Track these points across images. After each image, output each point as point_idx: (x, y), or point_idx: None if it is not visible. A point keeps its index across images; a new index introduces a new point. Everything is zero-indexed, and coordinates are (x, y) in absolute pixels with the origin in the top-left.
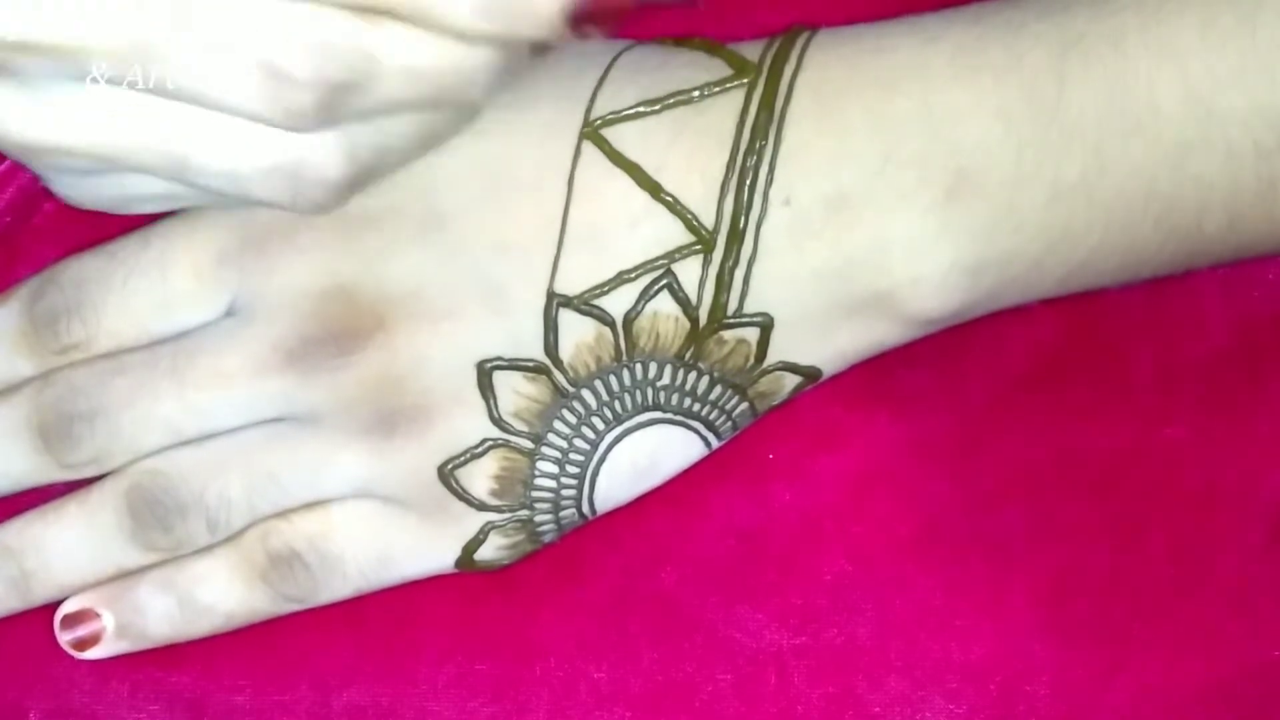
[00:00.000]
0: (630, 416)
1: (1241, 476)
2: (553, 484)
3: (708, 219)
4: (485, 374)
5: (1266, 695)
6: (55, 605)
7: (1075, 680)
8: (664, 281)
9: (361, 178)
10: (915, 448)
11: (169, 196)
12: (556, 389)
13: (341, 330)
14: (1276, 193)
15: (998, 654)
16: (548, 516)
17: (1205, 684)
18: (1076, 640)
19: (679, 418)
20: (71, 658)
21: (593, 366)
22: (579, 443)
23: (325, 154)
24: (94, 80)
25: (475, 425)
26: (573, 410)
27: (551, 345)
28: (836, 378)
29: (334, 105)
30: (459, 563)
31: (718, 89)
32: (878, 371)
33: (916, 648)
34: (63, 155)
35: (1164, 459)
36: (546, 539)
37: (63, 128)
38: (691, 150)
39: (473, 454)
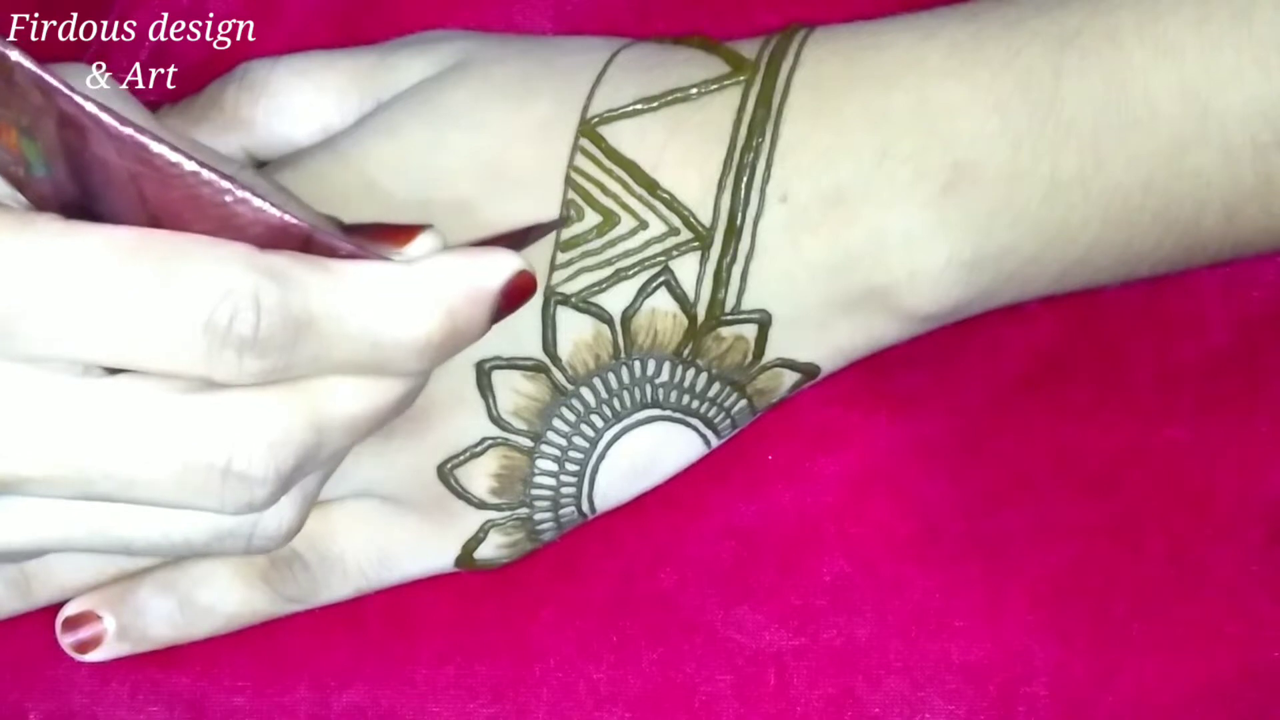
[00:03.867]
0: (629, 414)
1: (1241, 476)
2: (552, 482)
3: (705, 216)
4: (484, 373)
5: (1266, 695)
6: (56, 607)
7: (1075, 680)
8: (662, 279)
9: (309, 509)
10: (914, 448)
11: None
12: (555, 387)
13: None
14: (1274, 188)
15: (997, 654)
16: (547, 515)
17: (1205, 684)
18: (1076, 640)
19: (678, 415)
20: (72, 659)
21: (591, 364)
22: (578, 440)
23: (278, 512)
24: (24, 495)
25: (474, 424)
26: (571, 408)
27: (550, 343)
28: (835, 378)
29: (287, 486)
30: (459, 561)
31: (715, 86)
32: (877, 372)
33: (916, 648)
34: None
35: (1164, 459)
36: (546, 537)
37: None
38: (688, 147)
39: (472, 453)
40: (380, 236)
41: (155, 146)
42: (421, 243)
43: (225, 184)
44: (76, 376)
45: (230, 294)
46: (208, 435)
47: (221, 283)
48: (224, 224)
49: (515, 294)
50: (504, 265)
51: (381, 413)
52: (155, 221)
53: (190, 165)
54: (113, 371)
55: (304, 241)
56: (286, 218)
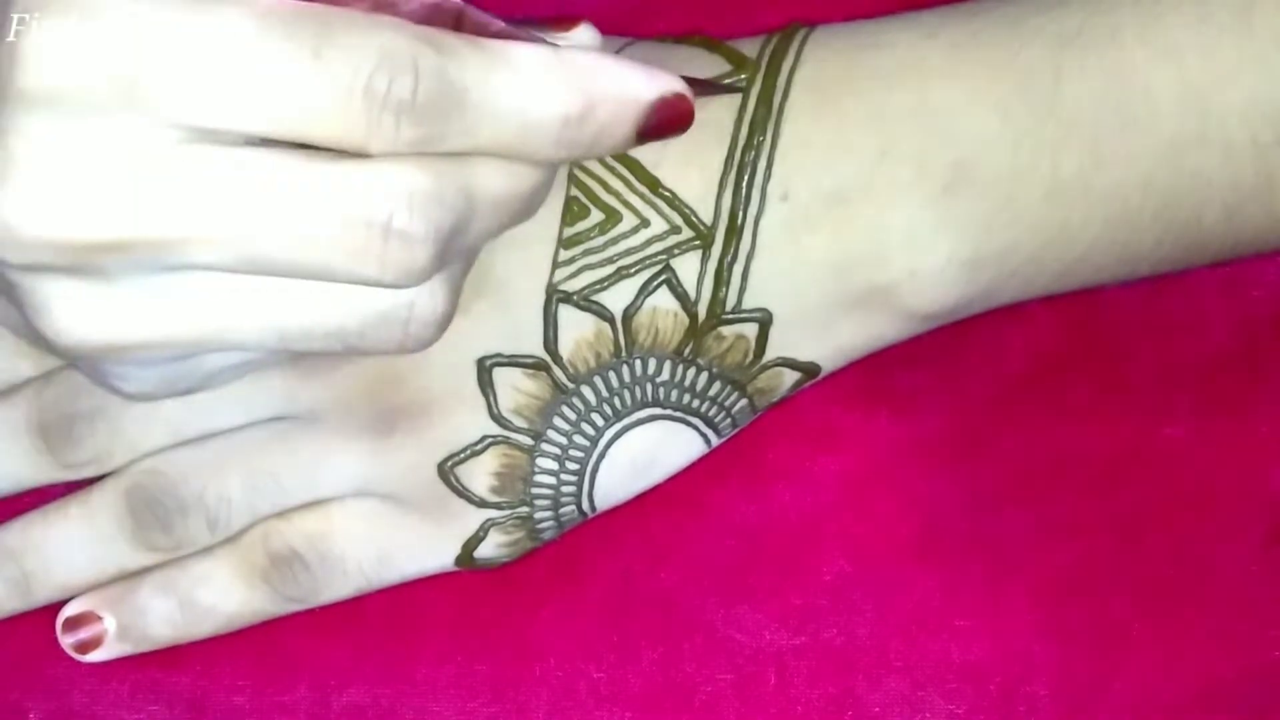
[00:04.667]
0: (630, 413)
1: (1241, 476)
2: (553, 480)
3: (706, 214)
4: (485, 370)
5: (1266, 695)
6: (55, 606)
7: (1075, 680)
8: (663, 277)
9: (457, 301)
10: (915, 448)
11: (250, 364)
12: (556, 385)
13: None
14: (1274, 188)
15: (998, 654)
16: (548, 513)
17: (1205, 684)
18: (1076, 640)
19: (678, 414)
20: (72, 658)
21: (592, 362)
22: (579, 439)
23: (432, 295)
24: (184, 269)
25: (475, 422)
26: (572, 406)
27: (551, 341)
28: (836, 378)
29: (445, 254)
30: (459, 560)
31: None
32: (877, 372)
33: (916, 648)
34: (147, 350)
35: (1164, 459)
36: (546, 536)
37: (149, 322)
38: (690, 146)
39: (473, 451)
40: (542, 25)
41: None
42: (580, 33)
43: None
44: (236, 147)
45: (389, 58)
46: (368, 193)
47: (380, 47)
48: (378, 3)
49: (669, 116)
50: (663, 80)
51: (521, 199)
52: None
53: None
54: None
55: (456, 19)
56: None
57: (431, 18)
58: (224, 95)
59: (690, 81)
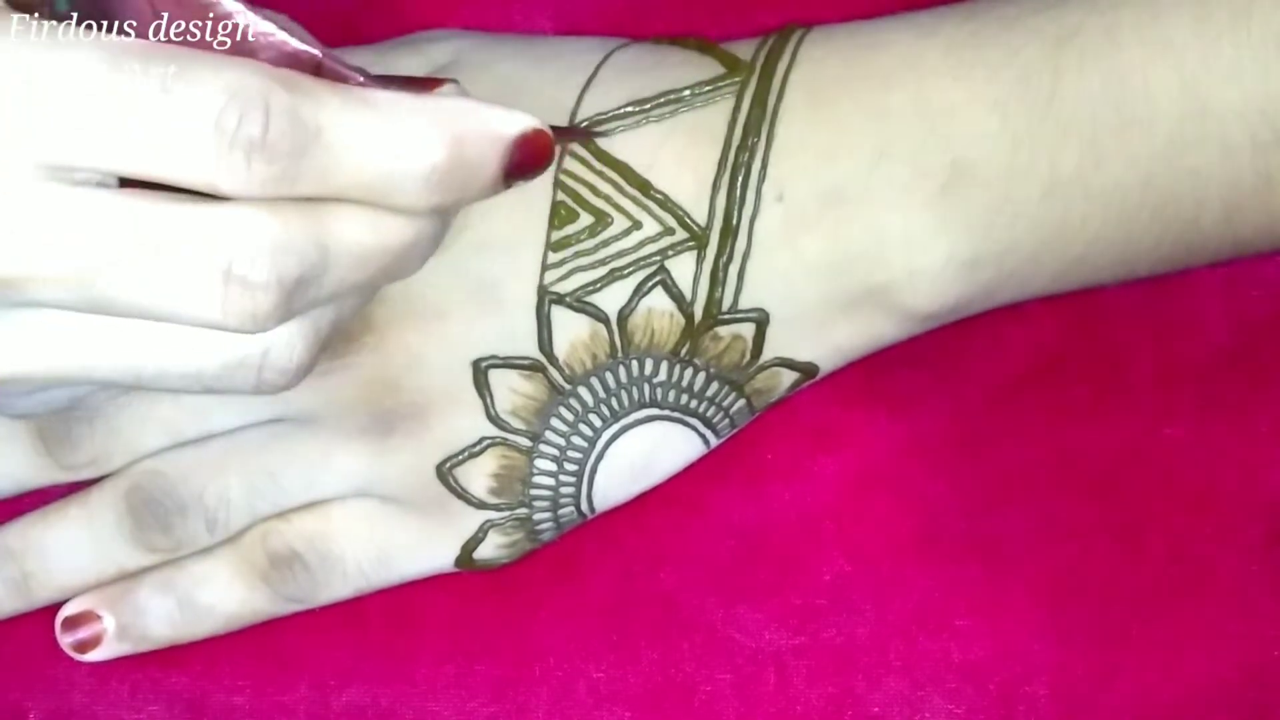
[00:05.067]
0: (627, 414)
1: (1241, 476)
2: (551, 482)
3: (700, 215)
4: (481, 372)
5: (1267, 695)
6: (55, 606)
7: (1075, 680)
8: (658, 278)
9: (321, 351)
10: (914, 448)
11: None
12: (553, 386)
13: None
14: (1273, 187)
15: (997, 654)
16: (546, 514)
17: (1205, 684)
18: (1076, 640)
19: (676, 414)
20: (71, 658)
21: (588, 364)
22: (576, 440)
23: (289, 342)
24: (35, 306)
25: (472, 424)
26: (569, 408)
27: (546, 342)
28: (835, 377)
29: (291, 302)
30: (458, 561)
31: (709, 87)
32: (876, 371)
33: (916, 648)
34: (8, 384)
35: (1164, 459)
36: (545, 537)
37: (6, 358)
38: (683, 148)
39: (471, 452)
40: (408, 84)
41: None
42: (446, 90)
43: (236, 5)
44: (85, 186)
45: (239, 95)
46: (210, 238)
47: (230, 85)
48: (235, 50)
49: (530, 152)
50: (520, 119)
51: (389, 253)
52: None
53: None
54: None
55: (315, 68)
56: (297, 44)
57: (290, 65)
58: (76, 132)
59: (555, 131)
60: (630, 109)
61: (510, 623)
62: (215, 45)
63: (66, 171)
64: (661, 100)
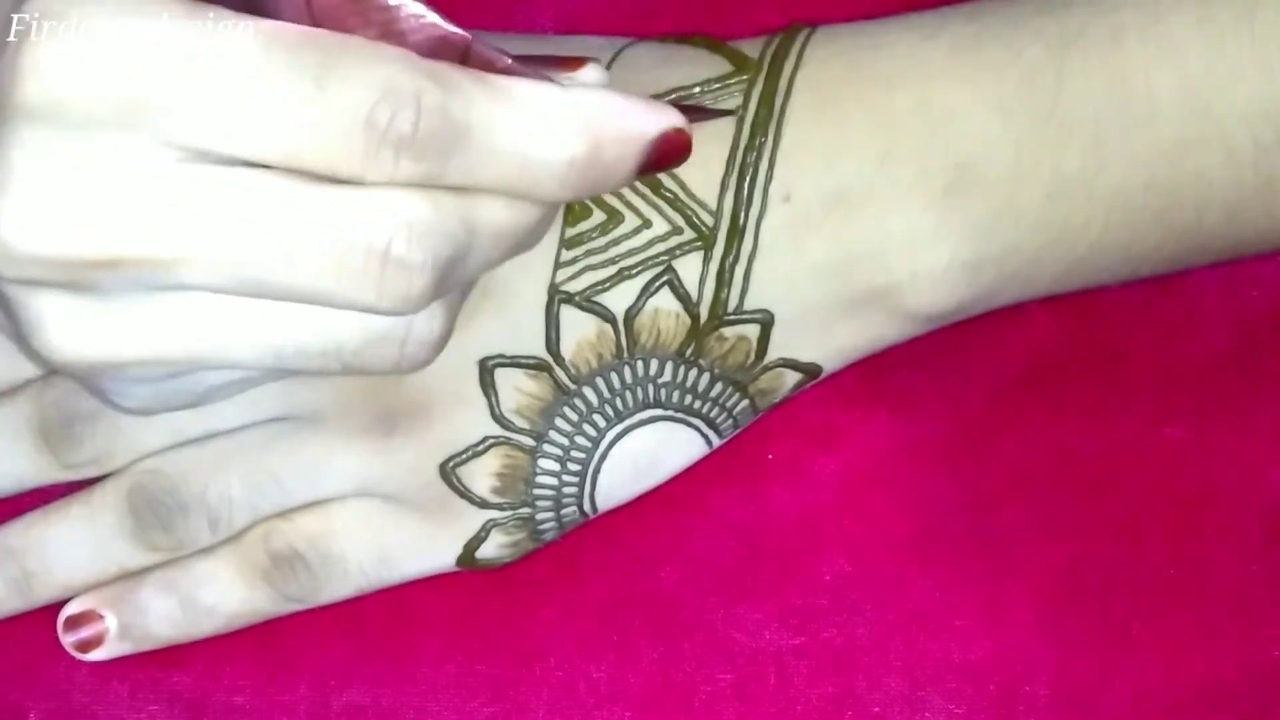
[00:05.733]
0: (631, 414)
1: (1241, 476)
2: (554, 481)
3: (708, 215)
4: (487, 371)
5: (1266, 695)
6: (56, 606)
7: (1075, 680)
8: (665, 278)
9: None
10: (914, 448)
11: (250, 380)
12: (558, 386)
13: None
14: (1275, 189)
15: (997, 654)
16: (549, 514)
17: (1205, 684)
18: (1076, 640)
19: (680, 415)
20: (72, 658)
21: (594, 363)
22: (580, 440)
23: (430, 317)
24: (180, 289)
25: (476, 423)
26: (574, 407)
27: (553, 342)
28: (836, 378)
29: (443, 283)
30: (460, 561)
31: (718, 86)
32: (877, 371)
33: (916, 648)
34: (140, 368)
35: (1164, 459)
36: (548, 537)
37: (142, 340)
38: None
39: (474, 451)
40: (550, 63)
41: None
42: (588, 73)
43: None
44: (236, 167)
45: (392, 92)
46: (367, 219)
47: (384, 80)
48: (385, 30)
49: (669, 150)
50: (664, 117)
51: (524, 232)
52: (318, 25)
53: None
54: None
55: (463, 53)
56: (448, 26)
57: (438, 50)
58: (224, 118)
59: (685, 109)
60: None
61: (510, 623)
62: (367, 27)
63: (215, 156)
64: (672, 98)
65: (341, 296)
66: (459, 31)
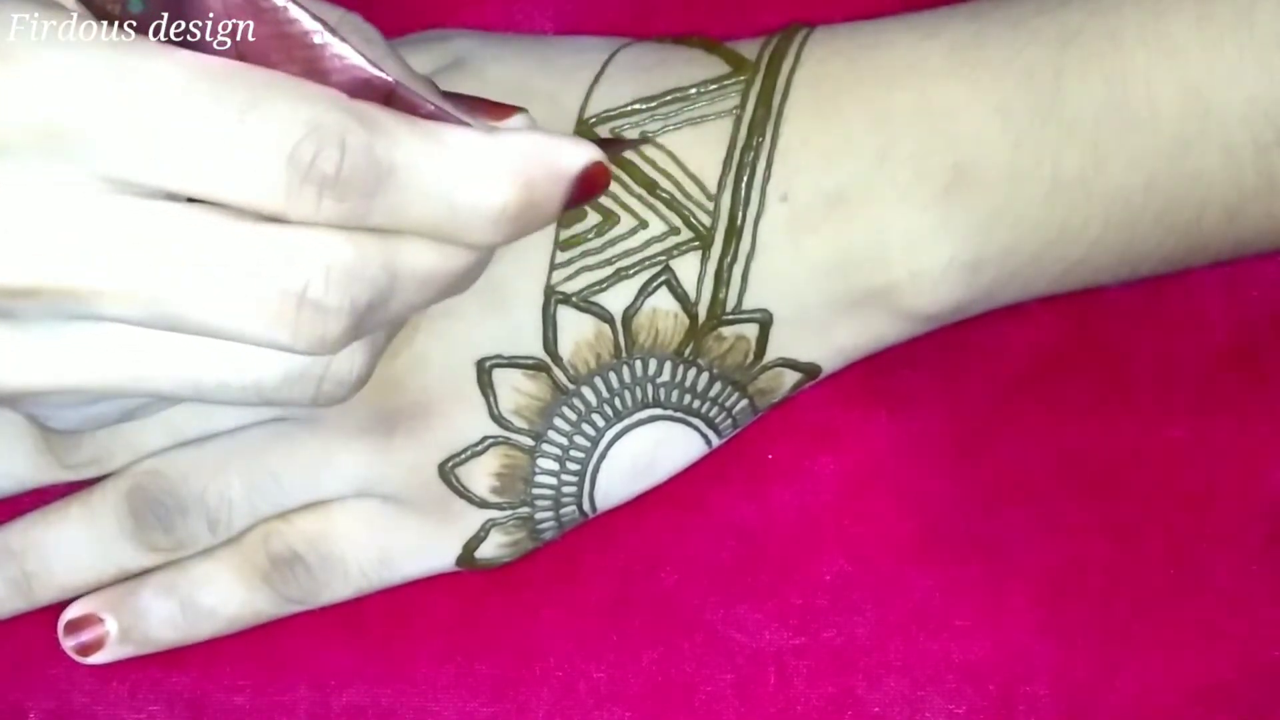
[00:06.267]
0: (630, 413)
1: (1241, 476)
2: (553, 481)
3: (705, 215)
4: (485, 372)
5: (1266, 695)
6: (56, 606)
7: (1075, 680)
8: (663, 278)
9: (377, 362)
10: (914, 448)
11: (174, 401)
12: (556, 386)
13: None
14: (1275, 188)
15: (997, 654)
16: (548, 514)
17: (1205, 684)
18: (1076, 640)
19: (679, 414)
20: (72, 659)
21: (592, 363)
22: (579, 440)
23: (350, 357)
24: (97, 320)
25: (475, 423)
26: (573, 407)
27: (551, 342)
28: (836, 378)
29: (361, 326)
30: (460, 561)
31: (715, 86)
32: (877, 371)
33: (916, 648)
34: (59, 396)
35: (1164, 459)
36: (547, 536)
37: (60, 369)
38: (689, 147)
39: (473, 451)
40: (477, 107)
41: None
42: (515, 120)
43: (314, 24)
44: (155, 199)
45: (317, 129)
46: (284, 260)
47: (309, 117)
48: (309, 68)
49: (589, 183)
50: (584, 151)
51: (450, 277)
52: (243, 60)
53: (280, 0)
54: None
55: (386, 96)
56: (371, 70)
57: (361, 91)
58: (146, 149)
59: (603, 143)
60: (638, 106)
61: (510, 623)
62: (291, 64)
63: (137, 187)
64: (668, 99)
65: (256, 336)
66: (383, 75)
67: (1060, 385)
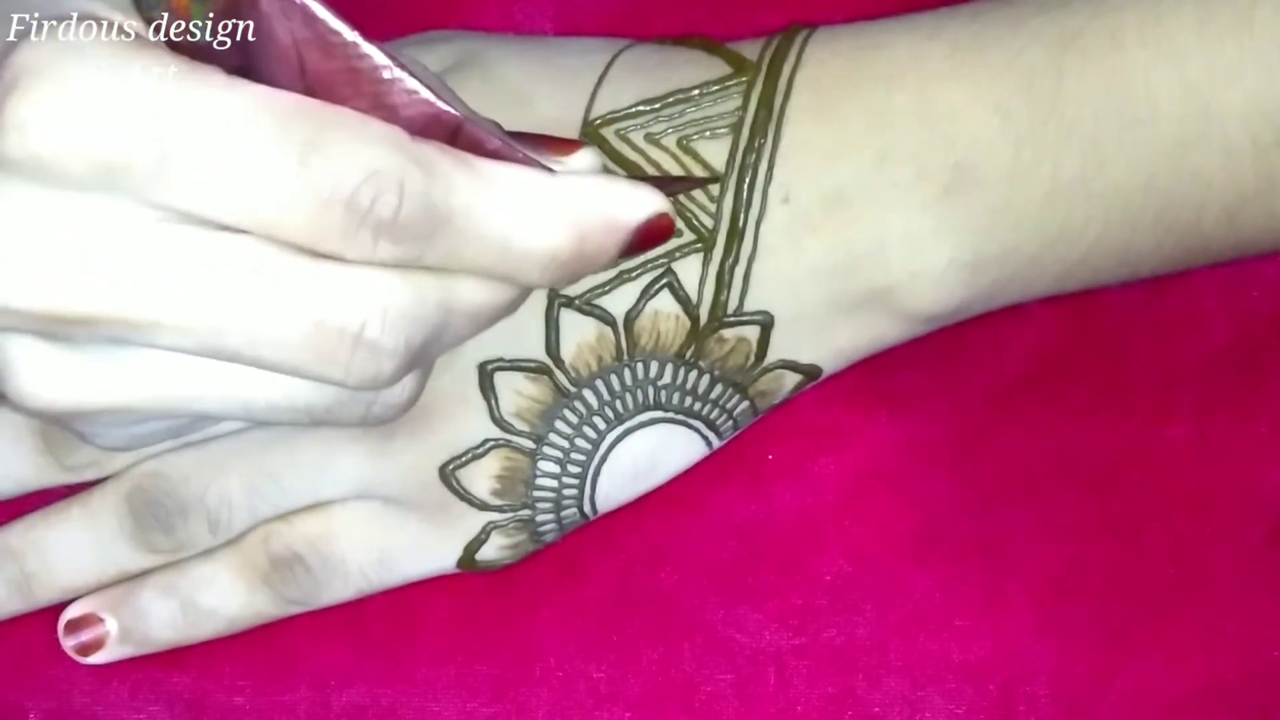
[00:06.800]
0: (631, 416)
1: (1241, 476)
2: (554, 484)
3: (707, 217)
4: (487, 374)
5: (1266, 696)
6: (56, 607)
7: (1075, 680)
8: (664, 280)
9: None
10: (914, 448)
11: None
12: (558, 389)
13: None
14: (1275, 189)
15: (997, 654)
16: (549, 516)
17: (1205, 684)
18: (1076, 640)
19: (680, 417)
20: (72, 659)
21: (594, 366)
22: (580, 442)
23: (399, 384)
24: (155, 348)
25: (477, 425)
26: (574, 410)
27: (553, 345)
28: (836, 378)
29: (414, 364)
30: (461, 563)
31: (717, 87)
32: (877, 372)
33: (916, 648)
34: (112, 415)
35: (1164, 459)
36: (548, 539)
37: (114, 389)
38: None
39: (474, 454)
40: (543, 144)
41: (321, 11)
42: (581, 157)
43: (384, 59)
44: (214, 230)
45: (377, 175)
46: (342, 299)
47: (370, 162)
48: (377, 102)
49: (651, 235)
50: (648, 202)
51: (499, 310)
52: (311, 94)
53: (351, 35)
54: None
55: (453, 132)
56: (440, 104)
57: (429, 127)
58: (206, 182)
59: (666, 183)
60: (642, 108)
61: (510, 623)
62: (359, 99)
63: (191, 217)
64: (671, 100)
65: (310, 372)
66: (450, 110)
67: (1060, 385)
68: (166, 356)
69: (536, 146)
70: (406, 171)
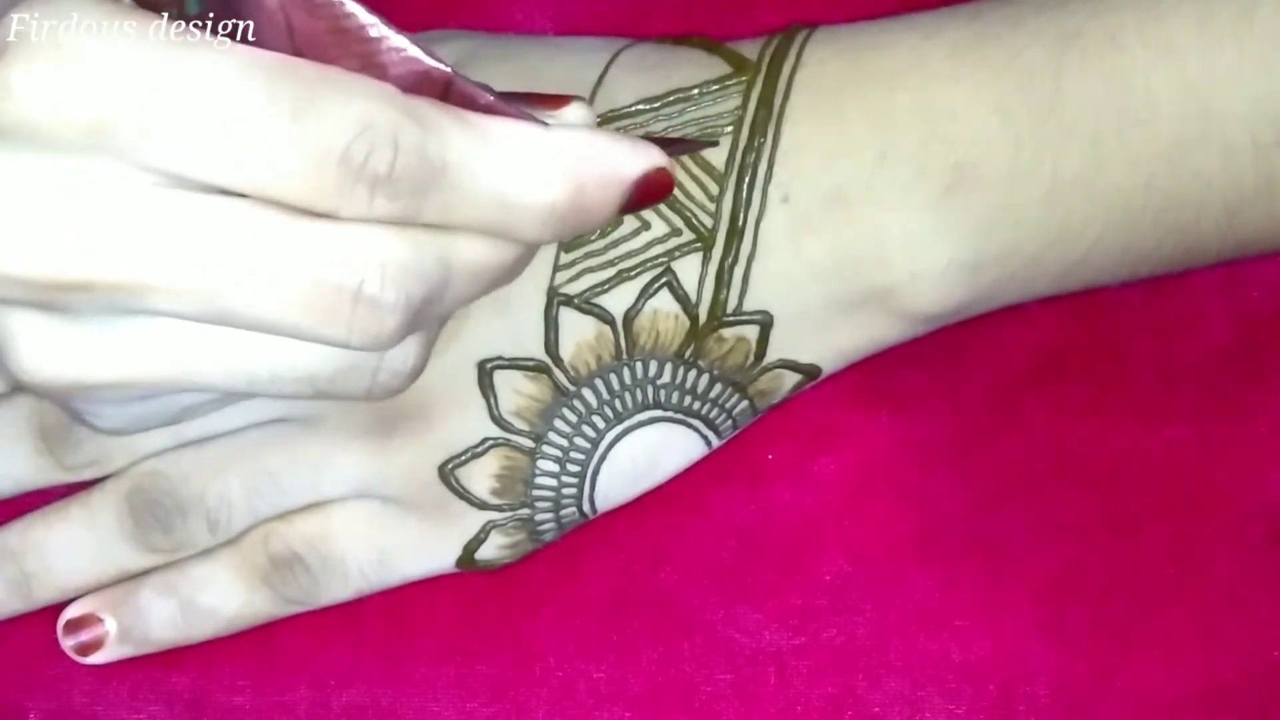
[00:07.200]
0: (630, 415)
1: (1241, 476)
2: (553, 483)
3: (707, 217)
4: (486, 373)
5: (1266, 695)
6: (56, 606)
7: (1075, 680)
8: (664, 279)
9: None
10: (915, 448)
11: (224, 400)
12: (557, 388)
13: None
14: (1275, 188)
15: (997, 654)
16: (548, 515)
17: (1205, 684)
18: (1076, 640)
19: (679, 416)
20: (72, 659)
21: (593, 365)
22: (580, 441)
23: (404, 348)
24: (154, 314)
25: (476, 424)
26: (573, 409)
27: (552, 344)
28: (836, 378)
29: (415, 322)
30: (460, 562)
31: (716, 87)
32: (877, 372)
33: (916, 648)
34: (113, 389)
35: (1164, 459)
36: (547, 538)
37: (115, 362)
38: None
39: (473, 453)
40: (534, 100)
41: None
42: (573, 111)
43: (369, 18)
44: (210, 194)
45: (370, 129)
46: (340, 256)
47: (362, 116)
48: (367, 62)
49: (650, 189)
50: (646, 156)
51: (502, 269)
52: (299, 54)
53: None
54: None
55: (444, 88)
56: (429, 61)
57: (419, 85)
58: (198, 145)
59: (667, 143)
60: (641, 107)
61: (510, 623)
62: (348, 59)
63: (189, 182)
64: (671, 99)
65: (311, 332)
66: (441, 66)
67: (1060, 385)
68: (167, 328)
69: (528, 102)
70: (400, 125)
